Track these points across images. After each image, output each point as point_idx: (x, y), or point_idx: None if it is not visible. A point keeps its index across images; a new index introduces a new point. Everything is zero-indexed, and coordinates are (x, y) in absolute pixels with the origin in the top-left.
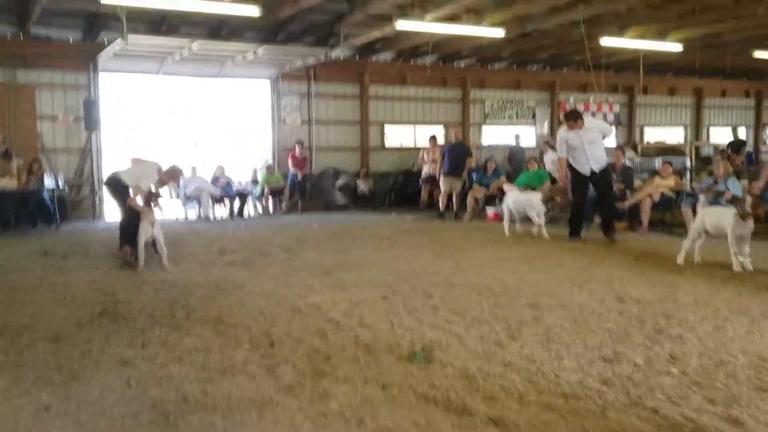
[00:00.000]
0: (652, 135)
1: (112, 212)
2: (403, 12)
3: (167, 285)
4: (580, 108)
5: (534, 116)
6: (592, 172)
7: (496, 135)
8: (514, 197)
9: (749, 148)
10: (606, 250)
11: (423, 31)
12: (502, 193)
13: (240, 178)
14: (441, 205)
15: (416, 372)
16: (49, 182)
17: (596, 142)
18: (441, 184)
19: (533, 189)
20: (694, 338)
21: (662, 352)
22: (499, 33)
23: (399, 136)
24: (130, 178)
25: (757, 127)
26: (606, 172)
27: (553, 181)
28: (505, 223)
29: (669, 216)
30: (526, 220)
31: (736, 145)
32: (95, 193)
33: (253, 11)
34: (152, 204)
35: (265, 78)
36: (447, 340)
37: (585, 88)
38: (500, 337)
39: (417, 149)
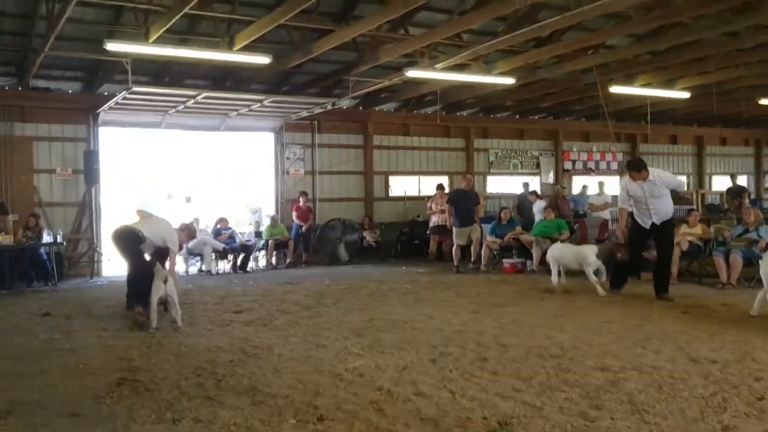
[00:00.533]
0: None
1: (111, 268)
2: (412, 61)
3: (187, 349)
4: (584, 157)
5: (538, 165)
6: (653, 225)
7: (502, 184)
8: (560, 251)
9: (753, 195)
10: (647, 302)
11: (433, 79)
12: (517, 243)
13: (242, 230)
14: (455, 259)
15: None
16: (46, 238)
17: (661, 197)
18: (456, 236)
19: (551, 239)
20: None
21: None
22: (509, 81)
23: (403, 185)
24: (152, 235)
25: (758, 174)
26: (668, 226)
27: (572, 231)
28: (554, 278)
29: (696, 265)
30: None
31: (735, 192)
32: (94, 248)
33: (264, 60)
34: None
35: (269, 131)
36: (523, 412)
37: (588, 137)
38: (582, 407)
39: (421, 198)
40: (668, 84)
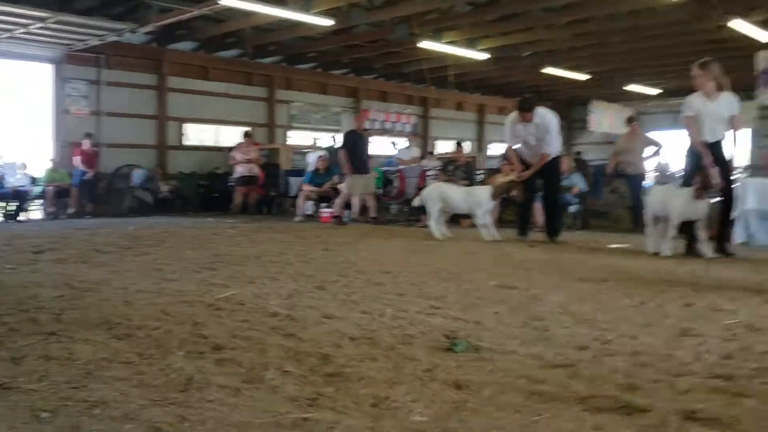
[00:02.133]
0: (444, 147)
1: None
2: None
3: None
4: (381, 117)
5: (340, 123)
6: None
7: (304, 140)
8: (443, 192)
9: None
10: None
11: (246, 11)
12: (336, 193)
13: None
14: (356, 209)
15: (487, 367)
16: None
17: (544, 140)
18: (353, 186)
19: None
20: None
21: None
22: (327, 22)
23: (200, 134)
24: None
25: None
26: (554, 164)
27: (388, 181)
28: (433, 224)
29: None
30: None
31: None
32: None
33: None
34: None
35: (47, 61)
36: (462, 327)
37: (386, 98)
38: (520, 317)
39: (220, 149)
40: (470, 44)
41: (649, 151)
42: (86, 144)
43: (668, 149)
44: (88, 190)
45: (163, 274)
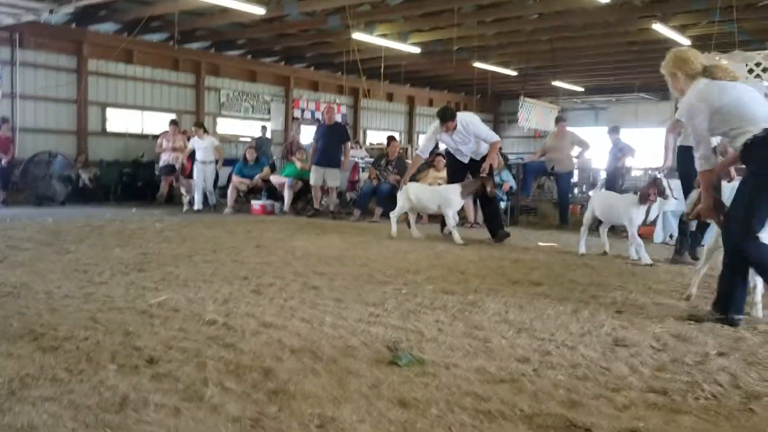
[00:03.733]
0: (374, 138)
1: None
2: None
3: None
4: (312, 107)
5: (269, 111)
6: (471, 161)
7: (234, 127)
8: (417, 191)
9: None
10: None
11: None
12: (267, 185)
13: None
14: (315, 201)
15: (437, 384)
16: None
17: (469, 143)
18: (312, 175)
19: (304, 181)
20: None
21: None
22: (258, 11)
23: (124, 121)
24: None
25: None
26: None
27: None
28: (393, 220)
29: None
30: None
31: None
32: None
33: None
34: None
35: None
36: (405, 336)
37: (317, 87)
38: (462, 328)
39: (145, 137)
40: (402, 37)
41: (576, 150)
42: (1, 129)
43: (594, 147)
44: (3, 178)
45: (89, 275)
